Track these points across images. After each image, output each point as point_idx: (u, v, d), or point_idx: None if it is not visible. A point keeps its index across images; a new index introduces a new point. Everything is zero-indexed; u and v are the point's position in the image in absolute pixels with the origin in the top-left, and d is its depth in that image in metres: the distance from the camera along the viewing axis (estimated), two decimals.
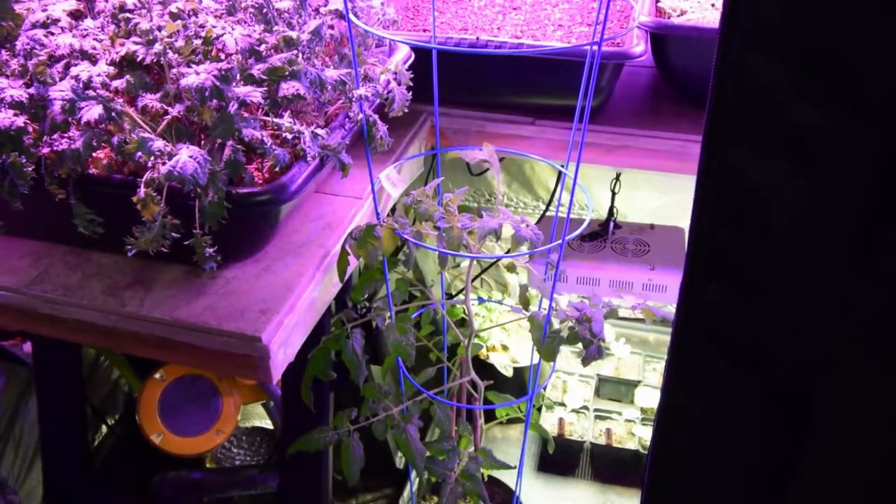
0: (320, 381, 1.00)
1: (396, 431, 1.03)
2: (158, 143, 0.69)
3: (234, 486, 1.22)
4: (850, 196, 0.48)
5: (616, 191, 1.41)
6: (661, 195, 1.67)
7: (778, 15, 0.47)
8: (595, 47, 0.83)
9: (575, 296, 1.73)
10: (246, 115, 0.76)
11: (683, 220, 1.67)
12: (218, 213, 0.71)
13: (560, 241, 0.91)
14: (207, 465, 1.42)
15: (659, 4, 1.23)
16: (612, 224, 1.42)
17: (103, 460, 1.35)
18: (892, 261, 0.48)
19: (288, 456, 1.04)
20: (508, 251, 1.39)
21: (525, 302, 0.96)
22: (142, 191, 0.69)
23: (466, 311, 1.05)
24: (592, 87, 0.88)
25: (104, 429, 1.42)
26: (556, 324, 0.95)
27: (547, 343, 0.91)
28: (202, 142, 0.74)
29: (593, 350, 0.89)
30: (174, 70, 0.73)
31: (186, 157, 0.67)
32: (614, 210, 1.44)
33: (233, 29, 0.74)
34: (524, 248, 0.90)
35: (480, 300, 1.57)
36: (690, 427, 0.60)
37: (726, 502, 0.62)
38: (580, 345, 0.92)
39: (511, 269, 1.05)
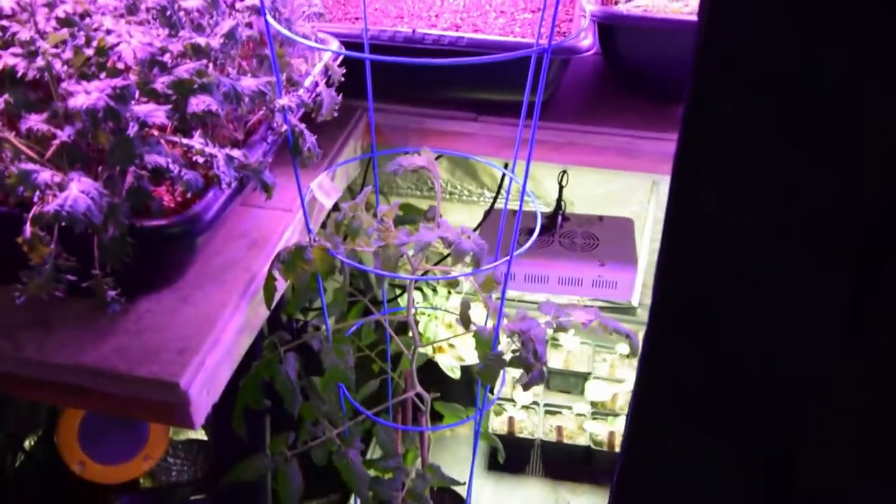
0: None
1: (337, 456, 0.97)
2: (45, 175, 0.59)
3: None
4: (839, 247, 0.43)
5: (564, 184, 1.35)
6: (608, 181, 1.62)
7: (758, 50, 0.41)
8: (543, 48, 0.76)
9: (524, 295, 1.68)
10: (154, 133, 0.67)
11: (631, 208, 1.63)
12: (120, 252, 0.62)
13: (508, 259, 0.85)
14: (142, 482, 1.34)
15: None
16: (560, 218, 1.37)
17: (24, 486, 1.25)
18: (876, 325, 0.43)
19: (222, 484, 0.97)
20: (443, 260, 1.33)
21: (466, 321, 0.90)
22: (27, 230, 0.60)
23: (410, 326, 0.98)
24: (541, 90, 0.82)
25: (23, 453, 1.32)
26: (501, 341, 0.90)
27: (487, 367, 0.85)
28: (100, 168, 0.64)
29: (536, 375, 0.84)
30: (63, 86, 0.63)
31: (77, 192, 0.58)
32: (562, 202, 1.38)
33: (131, 36, 0.65)
34: (467, 261, 0.84)
35: (423, 296, 1.50)
36: (653, 493, 0.55)
37: None
38: None
39: (455, 285, 0.98)
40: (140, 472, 1.09)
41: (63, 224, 0.58)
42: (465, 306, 0.94)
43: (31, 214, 0.60)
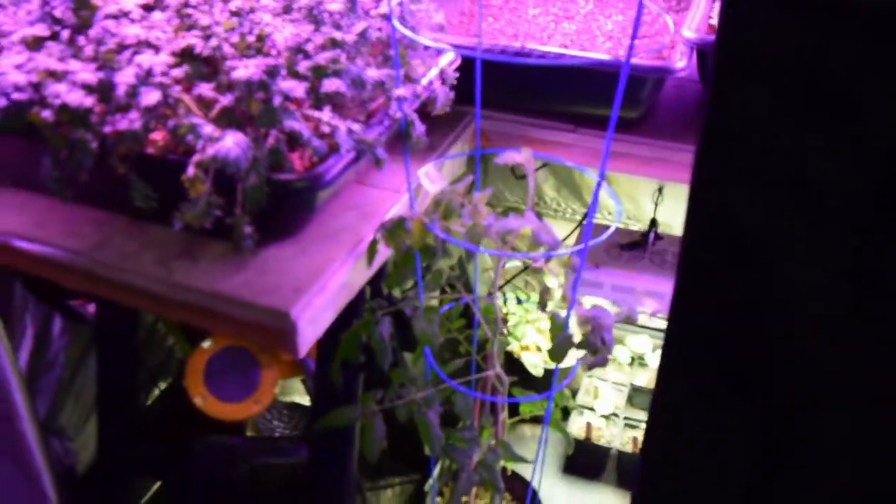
0: (350, 362, 1.07)
1: (418, 415, 1.08)
2: (208, 128, 0.76)
3: (267, 453, 1.30)
4: (843, 232, 0.50)
5: (658, 202, 1.42)
6: None
7: (769, 43, 0.49)
8: (621, 62, 0.86)
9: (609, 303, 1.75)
10: (291, 107, 0.82)
11: None
12: (258, 197, 0.78)
13: (583, 245, 0.95)
14: (248, 434, 1.51)
15: (710, 21, 1.24)
16: (652, 235, 1.44)
17: (154, 419, 1.45)
18: (883, 297, 0.50)
19: (317, 430, 1.11)
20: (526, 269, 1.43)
21: (544, 303, 1.00)
22: (191, 170, 0.76)
23: (494, 307, 1.09)
24: (619, 100, 0.92)
25: (157, 392, 1.52)
26: (574, 327, 0.99)
27: (556, 345, 0.94)
28: (249, 130, 0.80)
29: (601, 359, 0.92)
30: (228, 63, 0.80)
31: (231, 142, 0.74)
32: (656, 221, 1.45)
33: (283, 28, 0.81)
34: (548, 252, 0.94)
35: (519, 301, 1.60)
36: (677, 451, 0.63)
37: None
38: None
39: (534, 270, 1.09)
40: (251, 413, 1.25)
41: (217, 167, 0.74)
42: (545, 290, 1.04)
43: (194, 159, 0.76)
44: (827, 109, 0.48)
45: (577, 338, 1.00)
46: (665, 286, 1.40)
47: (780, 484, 0.59)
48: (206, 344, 1.26)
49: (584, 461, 1.57)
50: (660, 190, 1.41)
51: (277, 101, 0.78)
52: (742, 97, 0.51)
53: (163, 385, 1.55)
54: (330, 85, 0.80)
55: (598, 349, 0.97)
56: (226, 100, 0.79)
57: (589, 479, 1.57)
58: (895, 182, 0.48)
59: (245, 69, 0.76)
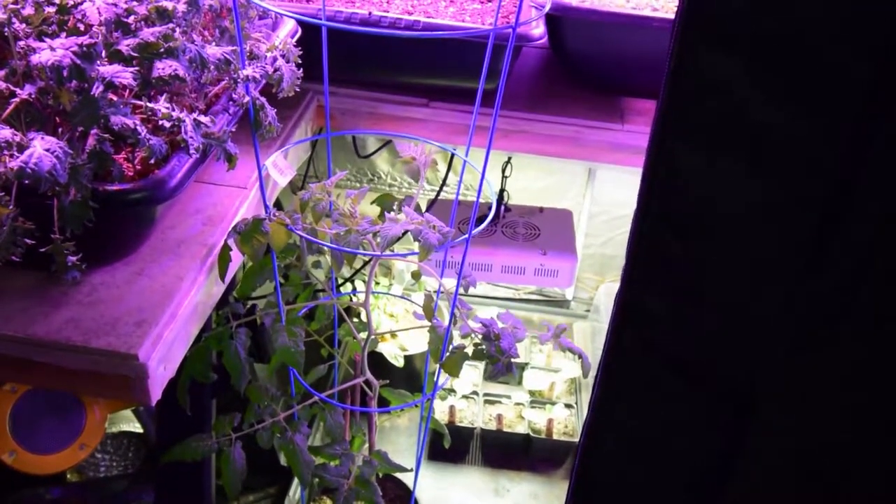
0: (200, 382, 0.91)
1: (283, 441, 0.95)
2: (5, 133, 0.57)
3: (101, 503, 1.10)
4: (800, 199, 0.46)
5: (507, 174, 1.38)
6: (547, 176, 1.66)
7: (739, 9, 0.43)
8: (502, 31, 0.78)
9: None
10: (113, 98, 0.65)
11: (568, 202, 1.67)
12: (82, 215, 0.61)
13: (466, 237, 0.86)
14: (69, 478, 1.28)
15: None
16: (502, 208, 1.40)
17: None
18: (840, 267, 0.46)
19: (163, 465, 0.94)
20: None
21: (429, 313, 0.90)
22: None
23: (366, 313, 0.98)
24: (505, 73, 0.84)
25: None
26: (457, 337, 0.90)
27: (450, 358, 0.86)
28: (59, 130, 0.62)
29: (500, 367, 0.85)
30: (22, 43, 0.61)
31: (41, 150, 0.56)
32: (505, 192, 1.41)
33: None
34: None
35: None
36: (626, 439, 0.57)
37: None
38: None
39: (417, 276, 0.99)
40: (76, 462, 1.05)
41: (26, 182, 0.56)
42: (429, 298, 0.94)
43: None
44: (789, 78, 0.44)
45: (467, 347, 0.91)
46: (520, 259, 1.36)
47: (736, 459, 0.56)
48: (8, 387, 1.03)
49: (450, 445, 1.52)
50: (508, 160, 1.36)
51: (98, 90, 0.60)
52: (706, 63, 0.45)
53: None
54: (164, 68, 0.64)
55: (496, 358, 0.89)
56: (24, 92, 0.60)
57: (455, 463, 1.52)
58: (863, 155, 0.44)
59: (51, 51, 0.58)
